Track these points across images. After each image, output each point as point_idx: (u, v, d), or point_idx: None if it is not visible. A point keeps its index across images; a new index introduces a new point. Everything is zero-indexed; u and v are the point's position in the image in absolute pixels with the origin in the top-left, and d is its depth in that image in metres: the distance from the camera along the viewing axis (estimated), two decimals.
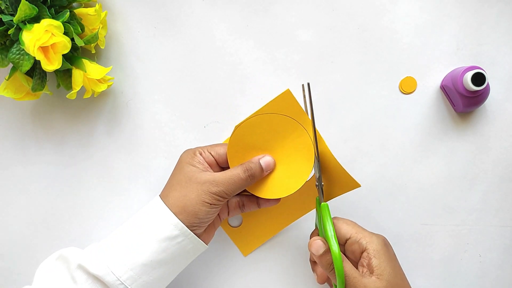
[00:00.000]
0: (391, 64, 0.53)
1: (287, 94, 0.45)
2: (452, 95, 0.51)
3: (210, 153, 0.45)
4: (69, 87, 0.50)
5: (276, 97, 0.45)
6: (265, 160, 0.45)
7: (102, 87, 0.49)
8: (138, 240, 0.42)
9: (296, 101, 0.45)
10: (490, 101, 0.52)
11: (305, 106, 0.45)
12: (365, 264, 0.43)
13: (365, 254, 0.43)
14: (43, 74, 0.49)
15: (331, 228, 0.43)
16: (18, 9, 0.42)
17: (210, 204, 0.42)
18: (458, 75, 0.48)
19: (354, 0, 0.53)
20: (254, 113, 0.46)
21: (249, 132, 0.45)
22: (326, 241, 0.43)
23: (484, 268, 0.53)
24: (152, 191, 0.54)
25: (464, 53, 0.53)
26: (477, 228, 0.53)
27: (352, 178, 0.45)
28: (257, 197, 0.47)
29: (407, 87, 0.53)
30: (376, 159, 0.53)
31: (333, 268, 0.42)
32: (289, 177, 0.45)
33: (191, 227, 0.42)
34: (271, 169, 0.45)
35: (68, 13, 0.46)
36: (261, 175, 0.45)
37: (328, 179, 0.47)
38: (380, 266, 0.42)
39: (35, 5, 0.44)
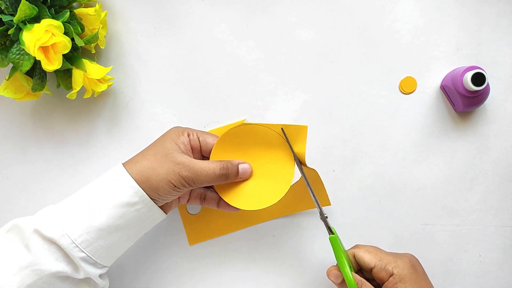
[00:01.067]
0: (391, 64, 0.53)
1: (303, 128, 0.45)
2: (452, 95, 0.51)
3: (198, 138, 0.45)
4: (69, 87, 0.50)
5: (292, 125, 0.45)
6: (244, 166, 0.45)
7: (102, 87, 0.49)
8: (96, 203, 0.42)
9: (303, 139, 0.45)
10: (490, 101, 0.52)
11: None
12: (389, 287, 0.43)
13: (391, 279, 0.43)
14: (43, 74, 0.49)
15: (344, 260, 0.44)
16: (18, 9, 0.42)
17: (174, 186, 0.42)
18: (458, 75, 0.48)
19: (354, 0, 0.53)
20: (264, 124, 0.46)
21: (243, 135, 0.45)
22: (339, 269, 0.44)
23: (484, 268, 0.53)
24: None
25: (464, 53, 0.53)
26: (477, 228, 0.53)
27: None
28: (220, 198, 0.47)
29: (407, 87, 0.53)
30: (376, 159, 0.53)
31: None
32: (261, 193, 0.46)
33: (153, 194, 0.42)
34: (245, 177, 0.46)
35: (68, 13, 0.46)
36: (234, 178, 0.45)
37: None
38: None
39: (35, 5, 0.44)
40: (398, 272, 0.43)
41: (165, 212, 0.46)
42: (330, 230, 0.45)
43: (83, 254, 0.41)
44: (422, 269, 0.45)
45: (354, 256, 0.45)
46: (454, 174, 0.53)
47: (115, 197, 0.42)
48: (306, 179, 0.46)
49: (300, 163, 0.46)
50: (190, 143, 0.45)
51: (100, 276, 0.44)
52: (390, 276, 0.43)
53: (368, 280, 0.44)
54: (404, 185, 0.53)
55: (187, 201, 0.49)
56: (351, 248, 0.46)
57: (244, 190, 0.46)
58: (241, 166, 0.45)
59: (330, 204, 0.50)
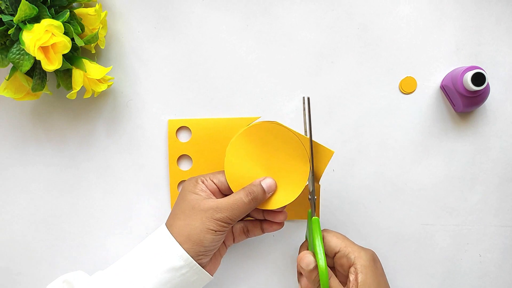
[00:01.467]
0: (391, 64, 0.53)
1: (329, 153, 0.45)
2: (452, 95, 0.51)
3: (213, 181, 0.45)
4: (69, 87, 0.50)
5: (321, 145, 0.45)
6: (267, 182, 0.44)
7: (102, 87, 0.49)
8: (143, 270, 0.42)
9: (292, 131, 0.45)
10: (490, 101, 0.52)
11: (304, 119, 0.45)
12: (351, 279, 0.43)
13: (352, 268, 0.44)
14: (43, 74, 0.49)
15: (320, 243, 0.43)
16: (18, 9, 0.42)
17: (215, 231, 0.42)
18: (458, 75, 0.48)
19: (354, 0, 0.53)
20: (292, 130, 0.45)
21: (243, 146, 0.45)
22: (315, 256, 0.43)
23: (484, 268, 0.53)
24: (152, 191, 0.54)
25: (464, 53, 0.53)
26: (477, 228, 0.53)
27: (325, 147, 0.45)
28: (261, 222, 0.47)
29: (407, 87, 0.53)
30: (376, 159, 0.53)
31: (319, 284, 0.42)
32: (285, 187, 0.45)
33: (196, 256, 0.42)
34: (273, 191, 0.45)
35: (68, 13, 0.46)
36: (263, 197, 0.44)
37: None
38: (365, 282, 0.43)
39: (35, 5, 0.44)
40: (360, 262, 0.43)
41: (211, 273, 0.45)
42: (314, 212, 0.45)
43: None
44: (381, 266, 0.46)
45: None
46: (454, 174, 0.53)
47: (160, 262, 0.42)
48: (313, 190, 0.46)
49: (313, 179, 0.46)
50: (208, 188, 0.45)
51: None
52: (351, 266, 0.44)
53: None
54: (404, 185, 0.53)
55: (233, 241, 0.49)
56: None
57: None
58: (264, 183, 0.44)
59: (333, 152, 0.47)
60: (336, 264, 0.45)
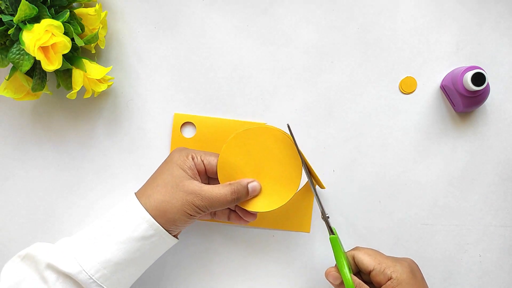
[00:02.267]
0: (391, 64, 0.53)
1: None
2: (452, 95, 0.51)
3: (203, 161, 0.45)
4: (69, 87, 0.50)
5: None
6: (253, 185, 0.45)
7: (102, 87, 0.49)
8: (112, 238, 0.42)
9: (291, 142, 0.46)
10: (490, 101, 0.52)
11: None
12: None
13: (389, 282, 0.43)
14: (43, 74, 0.49)
15: (344, 262, 0.44)
16: (18, 9, 0.42)
17: (191, 215, 0.43)
18: (458, 75, 0.48)
19: (354, 0, 0.53)
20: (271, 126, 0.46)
21: (240, 145, 0.45)
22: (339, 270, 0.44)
23: (484, 268, 0.53)
24: None
25: (464, 53, 0.53)
26: (477, 228, 0.53)
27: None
28: (229, 211, 0.48)
29: (407, 87, 0.53)
30: (376, 159, 0.53)
31: None
32: (272, 193, 0.46)
33: (167, 230, 0.43)
34: (255, 194, 0.46)
35: (68, 13, 0.46)
36: (245, 198, 0.45)
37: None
38: None
39: (35, 5, 0.44)
40: (396, 276, 0.43)
41: (176, 237, 0.46)
42: (331, 230, 0.45)
43: None
44: (421, 275, 0.45)
45: (353, 258, 0.45)
46: (454, 174, 0.53)
47: (131, 232, 0.42)
48: (312, 183, 0.46)
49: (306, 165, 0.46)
50: (196, 167, 0.45)
51: None
52: (388, 280, 0.43)
53: (366, 283, 0.44)
54: (404, 185, 0.53)
55: (213, 216, 0.49)
56: (351, 250, 0.46)
57: (261, 193, 0.46)
58: (250, 186, 0.45)
59: (324, 188, 0.50)
60: (374, 281, 0.45)
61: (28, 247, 0.43)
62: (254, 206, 0.46)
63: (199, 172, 0.45)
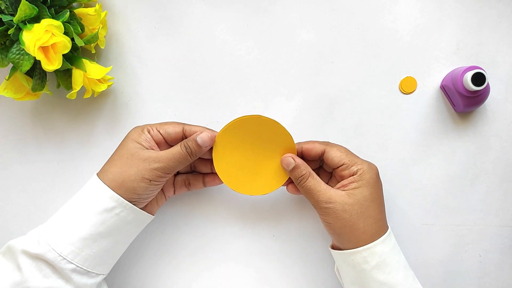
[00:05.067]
0: (391, 64, 0.53)
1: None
2: (452, 95, 0.51)
3: (159, 132, 0.46)
4: (69, 87, 0.50)
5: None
6: (202, 136, 0.45)
7: (102, 87, 0.49)
8: (76, 215, 0.43)
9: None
10: (490, 101, 0.52)
11: None
12: (345, 183, 0.44)
13: (351, 178, 0.44)
14: (43, 74, 0.49)
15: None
16: (18, 9, 0.42)
17: (150, 181, 0.43)
18: (458, 75, 0.48)
19: (354, 0, 0.53)
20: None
21: (251, 126, 0.46)
22: (295, 157, 0.45)
23: (484, 268, 0.53)
24: None
25: (464, 53, 0.53)
26: (477, 228, 0.53)
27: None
28: (203, 176, 0.49)
29: (407, 87, 0.53)
30: (376, 159, 0.53)
31: (299, 182, 0.45)
32: (267, 177, 0.47)
33: (130, 201, 0.43)
34: (208, 145, 0.45)
35: (68, 13, 0.46)
36: (199, 151, 0.45)
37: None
38: (357, 187, 0.43)
39: (35, 5, 0.44)
40: (360, 173, 0.44)
41: (151, 213, 0.47)
42: None
43: (72, 266, 0.41)
44: (381, 184, 0.46)
45: (323, 152, 0.46)
46: (454, 174, 0.53)
47: (92, 206, 0.42)
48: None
49: None
50: (153, 139, 0.45)
51: (98, 285, 0.45)
52: (352, 175, 0.44)
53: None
54: (404, 185, 0.53)
55: (174, 193, 0.50)
56: (322, 143, 0.47)
57: (249, 176, 0.47)
58: (199, 138, 0.45)
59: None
60: (337, 176, 0.46)
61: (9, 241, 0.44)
62: (253, 189, 0.47)
63: (158, 144, 0.46)
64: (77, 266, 0.42)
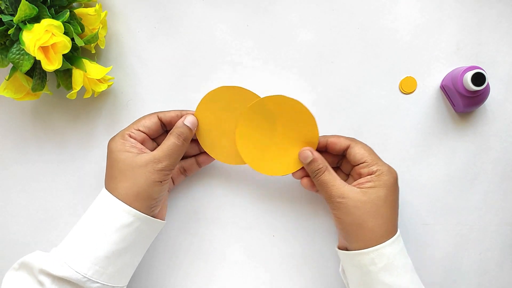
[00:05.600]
0: (391, 64, 0.53)
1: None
2: (452, 95, 0.51)
3: (139, 130, 0.46)
4: (69, 87, 0.50)
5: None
6: (189, 120, 0.46)
7: (102, 87, 0.49)
8: (95, 234, 0.42)
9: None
10: (490, 101, 0.52)
11: None
12: (361, 182, 0.44)
13: (368, 177, 0.44)
14: (43, 74, 0.49)
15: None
16: (18, 9, 0.42)
17: (161, 182, 0.43)
18: (458, 75, 0.48)
19: (354, 0, 0.53)
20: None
21: (253, 118, 0.47)
22: (313, 151, 0.46)
23: (484, 267, 0.53)
24: None
25: (464, 53, 0.53)
26: (478, 228, 0.53)
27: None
28: (196, 157, 0.50)
29: (407, 87, 0.53)
30: None
31: (315, 175, 0.45)
32: (281, 160, 0.48)
33: (149, 210, 0.43)
34: (196, 126, 0.47)
35: (68, 13, 0.46)
36: (191, 134, 0.46)
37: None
38: (372, 186, 0.43)
39: (35, 5, 0.44)
40: (378, 174, 0.44)
41: (162, 219, 0.47)
42: None
43: (97, 284, 0.41)
44: (398, 190, 0.45)
45: (348, 147, 0.46)
46: (454, 174, 0.53)
47: (110, 223, 0.42)
48: None
49: None
50: (137, 141, 0.45)
51: None
52: (370, 175, 0.44)
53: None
54: (404, 185, 0.53)
55: (173, 184, 0.50)
56: (347, 138, 0.47)
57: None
58: (187, 122, 0.46)
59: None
60: (355, 173, 0.46)
61: (23, 257, 0.43)
62: (271, 169, 0.48)
63: (143, 142, 0.46)
64: (102, 284, 0.42)
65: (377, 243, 0.42)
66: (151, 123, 0.46)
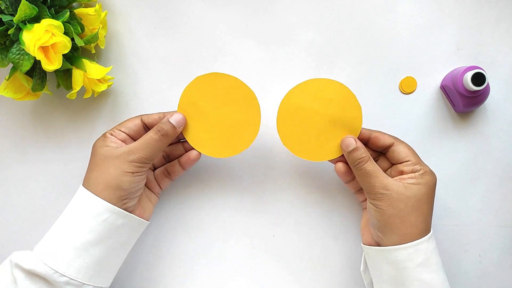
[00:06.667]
0: (391, 64, 0.53)
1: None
2: (452, 95, 0.51)
3: (121, 130, 0.46)
4: (69, 87, 0.50)
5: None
6: (175, 118, 0.46)
7: (102, 87, 0.50)
8: (65, 227, 0.42)
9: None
10: (490, 101, 0.52)
11: None
12: (404, 177, 0.44)
13: (411, 174, 0.44)
14: (43, 74, 0.49)
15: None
16: (18, 9, 0.42)
17: (132, 173, 0.43)
18: (458, 75, 0.48)
19: (354, 0, 0.53)
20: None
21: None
22: (357, 140, 0.45)
23: (483, 268, 0.53)
24: None
25: (464, 53, 0.53)
26: (477, 228, 0.53)
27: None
28: (179, 160, 0.49)
29: (407, 87, 0.53)
30: None
31: (358, 164, 0.44)
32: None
33: (120, 201, 0.43)
34: (182, 125, 0.46)
35: (68, 13, 0.46)
36: (175, 132, 0.45)
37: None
38: (415, 183, 0.43)
39: (35, 5, 0.44)
40: (422, 173, 0.44)
41: (145, 218, 0.47)
42: None
43: (65, 278, 0.41)
44: (434, 195, 0.45)
45: (392, 144, 0.46)
46: (454, 174, 0.53)
47: (80, 215, 0.42)
48: None
49: None
50: (117, 139, 0.46)
51: None
52: (413, 172, 0.44)
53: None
54: None
55: (160, 188, 0.50)
56: (391, 136, 0.46)
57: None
58: (172, 119, 0.45)
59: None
60: (396, 170, 0.46)
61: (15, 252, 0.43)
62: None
63: (124, 141, 0.46)
64: (70, 278, 0.41)
65: (415, 238, 0.42)
66: (133, 125, 0.46)
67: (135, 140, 0.47)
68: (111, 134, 0.46)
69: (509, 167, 0.53)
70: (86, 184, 0.44)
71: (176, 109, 0.48)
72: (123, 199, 0.43)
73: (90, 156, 0.46)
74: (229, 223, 0.53)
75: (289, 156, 0.53)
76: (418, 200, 0.42)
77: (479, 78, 0.47)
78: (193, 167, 0.53)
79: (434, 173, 0.45)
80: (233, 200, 0.53)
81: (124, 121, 0.47)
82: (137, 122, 0.47)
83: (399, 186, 0.43)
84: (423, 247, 0.42)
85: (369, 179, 0.43)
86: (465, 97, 0.49)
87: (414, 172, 0.44)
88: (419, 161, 0.45)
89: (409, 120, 0.53)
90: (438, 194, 0.53)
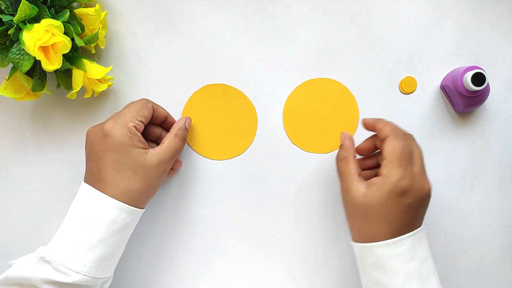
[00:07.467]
0: (391, 64, 0.53)
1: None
2: (452, 95, 0.51)
3: (142, 121, 0.46)
4: (69, 87, 0.50)
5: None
6: (188, 122, 0.51)
7: (102, 87, 0.50)
8: (80, 229, 0.42)
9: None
10: (490, 101, 0.52)
11: None
12: (372, 180, 0.42)
13: (375, 178, 0.43)
14: (43, 74, 0.49)
15: None
16: (18, 9, 0.42)
17: (160, 180, 0.46)
18: (458, 75, 0.48)
19: (354, 0, 0.53)
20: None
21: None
22: (347, 139, 0.47)
23: (483, 268, 0.53)
24: None
25: (464, 53, 0.53)
26: (477, 228, 0.53)
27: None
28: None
29: (407, 87, 0.53)
30: None
31: (336, 160, 0.47)
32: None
33: (140, 204, 0.45)
34: (188, 125, 0.51)
35: (68, 13, 0.46)
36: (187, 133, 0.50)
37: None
38: (374, 190, 0.42)
39: (35, 5, 0.44)
40: (384, 176, 0.41)
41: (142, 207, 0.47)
42: None
43: (79, 276, 0.42)
44: (407, 201, 0.42)
45: (385, 139, 0.44)
46: (454, 174, 0.53)
47: (94, 218, 0.43)
48: None
49: None
50: (140, 133, 0.45)
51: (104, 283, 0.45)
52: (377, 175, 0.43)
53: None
54: None
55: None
56: (393, 130, 0.44)
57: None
58: (187, 124, 0.50)
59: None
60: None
61: (6, 271, 0.42)
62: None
63: (140, 131, 0.46)
64: (83, 275, 0.42)
65: (374, 240, 0.42)
66: (148, 115, 0.47)
67: (144, 124, 0.47)
68: (136, 128, 0.45)
69: (509, 167, 0.53)
70: (102, 186, 0.43)
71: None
72: (144, 202, 0.46)
73: (110, 147, 0.43)
74: (229, 223, 0.53)
75: (289, 156, 0.53)
76: (368, 208, 0.41)
77: (479, 78, 0.47)
78: (193, 167, 0.53)
79: (398, 176, 0.41)
80: (233, 200, 0.53)
81: (138, 108, 0.46)
82: (151, 111, 0.47)
83: (357, 191, 0.42)
84: (377, 250, 0.42)
85: (340, 177, 0.46)
86: (465, 97, 0.49)
87: (379, 176, 0.42)
88: (391, 161, 0.41)
89: (409, 120, 0.53)
90: (438, 194, 0.53)
